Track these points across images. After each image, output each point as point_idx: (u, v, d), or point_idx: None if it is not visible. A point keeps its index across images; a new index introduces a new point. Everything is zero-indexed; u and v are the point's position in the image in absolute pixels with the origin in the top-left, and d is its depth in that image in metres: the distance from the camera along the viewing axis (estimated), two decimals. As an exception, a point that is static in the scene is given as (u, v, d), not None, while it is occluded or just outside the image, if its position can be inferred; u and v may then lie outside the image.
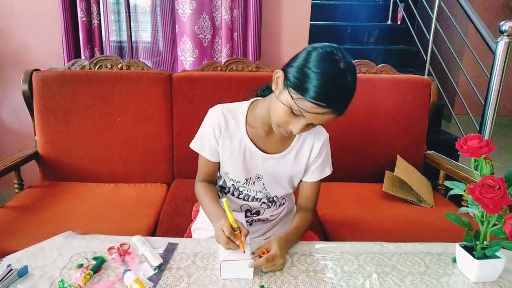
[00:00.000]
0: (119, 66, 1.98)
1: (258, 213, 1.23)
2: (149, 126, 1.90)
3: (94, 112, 1.89)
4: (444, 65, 2.94)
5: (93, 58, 1.98)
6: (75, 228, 1.14)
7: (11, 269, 0.91)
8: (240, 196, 1.21)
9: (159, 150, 1.93)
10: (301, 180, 1.21)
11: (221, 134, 1.11)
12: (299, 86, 0.89)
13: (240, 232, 0.95)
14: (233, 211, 1.23)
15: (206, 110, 1.16)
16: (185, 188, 1.86)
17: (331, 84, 0.87)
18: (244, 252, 0.95)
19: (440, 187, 1.94)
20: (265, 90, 1.16)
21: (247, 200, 1.21)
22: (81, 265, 0.97)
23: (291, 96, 0.91)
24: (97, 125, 1.90)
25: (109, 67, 1.97)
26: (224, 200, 1.00)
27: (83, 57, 2.19)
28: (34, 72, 1.89)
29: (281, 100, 0.94)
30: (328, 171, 1.19)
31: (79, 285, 0.90)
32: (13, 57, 2.24)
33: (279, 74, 0.95)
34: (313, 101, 0.88)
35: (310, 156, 1.15)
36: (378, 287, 0.94)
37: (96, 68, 1.97)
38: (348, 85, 0.89)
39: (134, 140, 1.90)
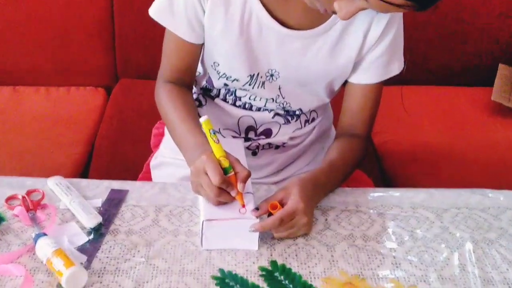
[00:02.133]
0: None
1: (268, 133, 1.24)
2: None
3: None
4: None
5: None
6: None
7: None
8: (238, 103, 1.21)
9: (91, 31, 1.91)
10: (346, 82, 1.19)
11: None
12: None
13: (236, 173, 0.96)
14: (224, 129, 1.24)
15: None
16: (137, 95, 1.88)
17: None
18: (243, 207, 0.96)
19: None
20: None
21: (250, 109, 1.21)
22: (-39, 227, 0.97)
23: None
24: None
25: None
26: (203, 119, 0.99)
27: None
28: None
29: None
30: (396, 68, 1.17)
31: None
32: None
33: None
34: None
35: (366, 39, 1.12)
36: (474, 265, 0.96)
37: None
38: None
39: (47, 14, 1.86)
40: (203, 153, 0.96)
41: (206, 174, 0.94)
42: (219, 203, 0.96)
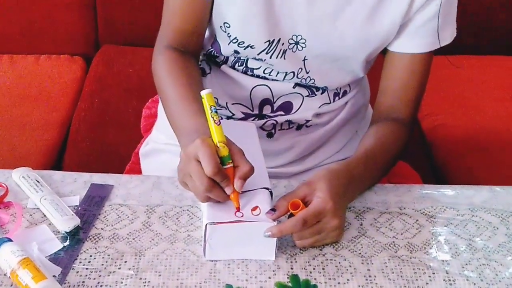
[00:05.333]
0: None
1: (287, 108, 1.25)
2: None
3: None
4: None
5: None
6: None
7: None
8: (250, 73, 1.21)
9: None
10: (386, 50, 1.19)
11: None
12: None
13: (235, 167, 0.95)
14: (233, 104, 1.25)
15: None
16: (123, 66, 1.89)
17: None
18: (237, 210, 0.95)
19: None
20: None
21: (265, 79, 1.22)
22: None
23: None
24: None
25: None
26: (205, 92, 0.98)
27: None
28: None
29: None
30: (449, 35, 1.17)
31: None
32: None
33: None
34: None
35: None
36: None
37: None
38: None
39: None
40: (199, 139, 0.94)
41: (198, 161, 0.93)
42: (209, 200, 0.95)
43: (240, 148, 0.96)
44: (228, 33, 1.16)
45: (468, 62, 1.96)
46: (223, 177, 0.92)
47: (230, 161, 0.94)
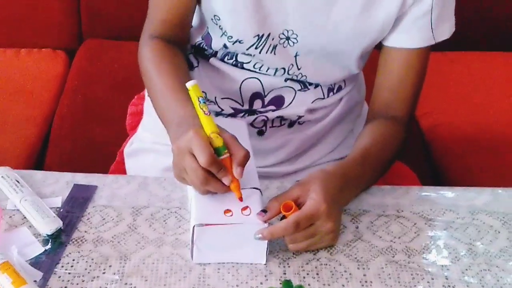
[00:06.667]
0: None
1: (278, 102, 1.25)
2: None
3: None
4: None
5: None
6: None
7: None
8: (240, 66, 1.22)
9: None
10: (382, 45, 1.19)
11: None
12: None
13: (231, 154, 0.96)
14: (223, 98, 1.25)
15: None
16: (107, 60, 1.88)
17: None
18: (240, 200, 0.95)
19: None
20: None
21: (256, 72, 1.22)
22: None
23: None
24: None
25: None
26: (191, 83, 0.99)
27: None
28: None
29: None
30: (447, 30, 1.18)
31: None
32: None
33: None
34: None
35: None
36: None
37: None
38: None
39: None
40: (191, 130, 0.95)
41: (192, 154, 0.93)
42: (207, 193, 0.96)
43: (232, 135, 0.97)
44: (220, 26, 1.16)
45: (469, 58, 1.97)
46: (218, 168, 0.93)
47: (226, 150, 0.95)
